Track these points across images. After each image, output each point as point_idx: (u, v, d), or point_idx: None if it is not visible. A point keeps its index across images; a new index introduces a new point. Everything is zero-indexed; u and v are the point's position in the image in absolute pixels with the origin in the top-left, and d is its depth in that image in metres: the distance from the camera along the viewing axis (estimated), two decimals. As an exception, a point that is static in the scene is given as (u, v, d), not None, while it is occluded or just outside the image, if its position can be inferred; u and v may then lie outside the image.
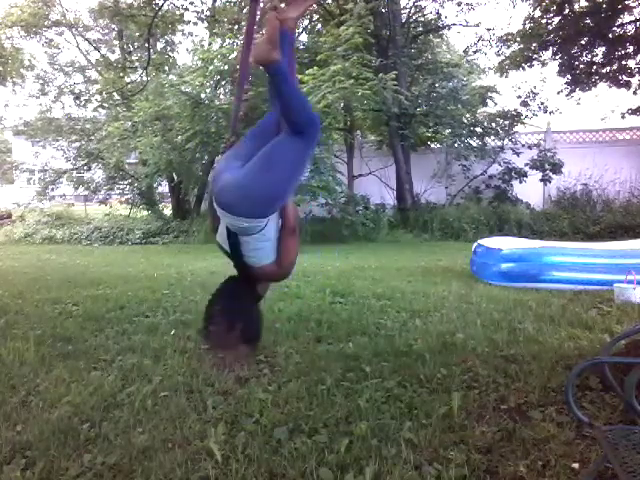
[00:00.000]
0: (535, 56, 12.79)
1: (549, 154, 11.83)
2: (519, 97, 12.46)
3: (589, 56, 12.21)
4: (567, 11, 11.28)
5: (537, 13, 12.09)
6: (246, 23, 2.52)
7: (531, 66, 13.13)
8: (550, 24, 11.94)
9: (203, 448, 1.99)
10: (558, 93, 12.96)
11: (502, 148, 12.26)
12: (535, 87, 12.51)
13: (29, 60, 15.34)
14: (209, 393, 2.53)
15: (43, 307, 4.55)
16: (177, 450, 1.99)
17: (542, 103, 12.38)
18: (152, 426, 2.19)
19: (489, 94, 12.53)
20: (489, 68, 15.03)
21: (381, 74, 9.65)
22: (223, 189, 1.93)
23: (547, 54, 12.63)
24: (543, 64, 12.98)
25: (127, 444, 2.04)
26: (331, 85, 8.94)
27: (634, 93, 12.20)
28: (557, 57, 12.40)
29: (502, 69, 13.54)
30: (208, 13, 12.11)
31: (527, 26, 12.23)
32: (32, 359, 3.07)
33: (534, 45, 12.37)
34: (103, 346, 3.35)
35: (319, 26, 13.44)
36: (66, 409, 2.35)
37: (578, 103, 13.19)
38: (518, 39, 12.65)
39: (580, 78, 12.34)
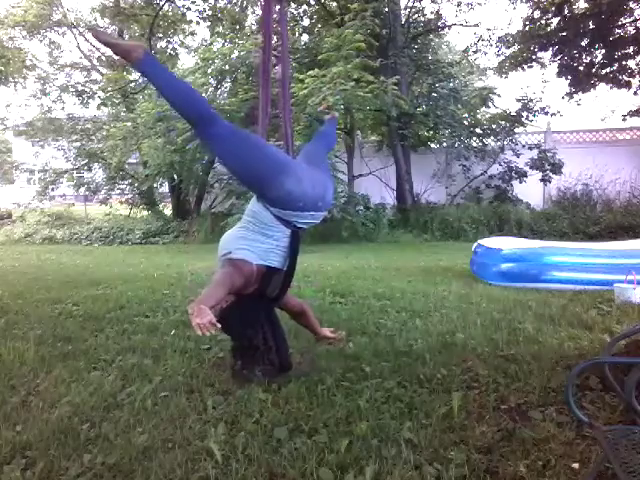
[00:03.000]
0: (534, 57, 12.79)
1: (549, 154, 11.84)
2: (520, 100, 12.43)
3: (589, 58, 12.22)
4: (566, 12, 11.29)
5: (536, 14, 12.11)
6: (263, 29, 2.72)
7: (530, 67, 13.13)
8: (549, 25, 11.95)
9: (203, 448, 1.99)
10: (562, 98, 12.96)
11: (502, 149, 12.27)
12: (535, 93, 12.51)
13: (31, 60, 15.33)
14: (209, 393, 2.53)
15: (43, 307, 4.55)
16: (177, 450, 1.99)
17: (542, 108, 12.38)
18: (152, 426, 2.19)
19: (490, 96, 12.54)
20: (489, 68, 15.04)
21: (382, 77, 9.67)
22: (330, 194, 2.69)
23: (547, 55, 12.65)
24: (542, 65, 12.99)
25: (127, 444, 2.03)
26: (332, 87, 8.96)
27: (635, 94, 12.20)
28: (557, 58, 12.41)
29: (502, 69, 13.54)
30: (210, 13, 12.10)
31: (526, 27, 12.24)
32: (32, 359, 3.07)
33: (533, 46, 12.38)
34: (103, 346, 3.35)
35: (319, 26, 13.43)
36: (66, 409, 2.35)
37: (578, 104, 13.22)
38: (517, 39, 12.65)
39: (580, 80, 12.34)
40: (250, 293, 2.52)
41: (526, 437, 2.03)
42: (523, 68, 13.18)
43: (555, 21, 11.79)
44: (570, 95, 12.85)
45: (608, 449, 1.43)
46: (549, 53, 12.47)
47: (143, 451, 1.99)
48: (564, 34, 11.53)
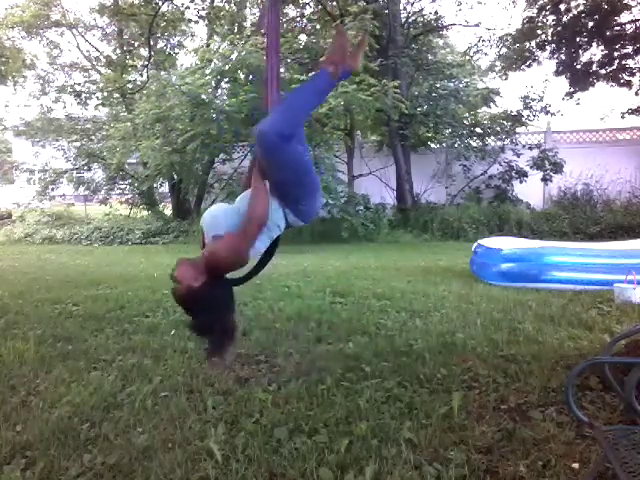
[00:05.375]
0: (533, 57, 12.79)
1: (550, 154, 11.84)
2: (523, 99, 12.42)
3: (587, 56, 12.23)
4: (563, 9, 11.29)
5: (534, 13, 12.10)
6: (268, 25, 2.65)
7: (529, 66, 13.13)
8: (545, 24, 11.95)
9: (203, 448, 1.99)
10: (563, 99, 12.95)
11: (502, 149, 12.27)
12: (535, 92, 12.50)
13: (30, 59, 15.33)
14: (209, 393, 2.53)
15: (43, 307, 4.54)
16: (177, 450, 1.99)
17: (544, 107, 12.38)
18: (152, 426, 2.19)
19: (491, 96, 12.54)
20: (491, 70, 15.01)
21: (384, 80, 9.68)
22: None
23: (545, 54, 12.64)
24: (539, 63, 12.98)
25: (127, 444, 2.03)
26: (333, 90, 8.96)
27: (636, 94, 12.19)
28: (555, 57, 12.41)
29: (502, 69, 13.54)
30: (208, 12, 12.10)
31: (525, 26, 12.23)
32: (32, 359, 3.07)
33: (531, 45, 12.39)
34: (103, 346, 3.35)
35: (318, 27, 13.42)
36: (66, 409, 2.35)
37: (577, 103, 13.21)
38: (516, 38, 12.63)
39: (579, 78, 12.34)
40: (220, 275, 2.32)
41: (526, 437, 2.03)
42: (522, 68, 13.18)
43: (554, 20, 11.79)
44: (570, 95, 12.85)
45: (608, 449, 1.43)
46: (548, 52, 12.47)
47: (143, 451, 1.99)
48: (562, 32, 11.54)
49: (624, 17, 11.29)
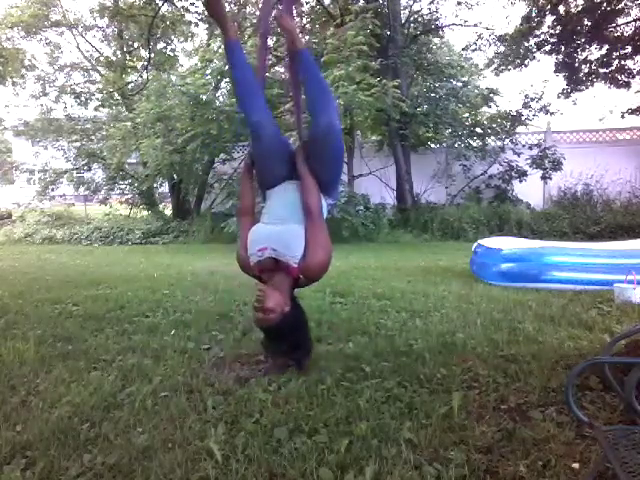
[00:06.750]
0: (531, 56, 12.79)
1: (549, 152, 11.85)
2: (525, 96, 12.42)
3: (584, 55, 12.22)
4: (563, 10, 11.29)
5: (534, 13, 12.10)
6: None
7: (526, 66, 13.14)
8: (541, 24, 11.94)
9: (203, 448, 1.99)
10: (558, 97, 12.97)
11: (502, 148, 12.27)
12: (535, 93, 12.50)
13: (29, 60, 15.33)
14: (209, 393, 2.53)
15: (43, 307, 4.55)
16: (177, 450, 1.99)
17: (544, 106, 12.39)
18: (152, 426, 2.19)
19: (491, 95, 12.55)
20: (488, 68, 15.01)
21: (384, 80, 9.69)
22: None
23: (544, 54, 12.64)
24: (538, 61, 13.01)
25: (127, 444, 2.03)
26: (334, 90, 8.97)
27: (636, 92, 12.19)
28: (553, 56, 12.41)
29: (499, 67, 13.55)
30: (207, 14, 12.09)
31: (524, 25, 12.22)
32: (32, 359, 3.07)
33: (530, 45, 12.39)
34: (103, 346, 3.35)
35: (318, 27, 13.40)
36: (66, 409, 2.35)
37: (574, 103, 13.21)
38: (515, 37, 12.63)
39: (576, 78, 12.34)
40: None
41: (526, 437, 2.03)
42: (520, 68, 13.19)
43: (552, 19, 11.79)
44: (566, 95, 12.84)
45: (608, 449, 1.43)
46: (546, 51, 12.46)
47: (143, 451, 1.99)
48: (561, 32, 11.54)
49: (624, 18, 11.30)
